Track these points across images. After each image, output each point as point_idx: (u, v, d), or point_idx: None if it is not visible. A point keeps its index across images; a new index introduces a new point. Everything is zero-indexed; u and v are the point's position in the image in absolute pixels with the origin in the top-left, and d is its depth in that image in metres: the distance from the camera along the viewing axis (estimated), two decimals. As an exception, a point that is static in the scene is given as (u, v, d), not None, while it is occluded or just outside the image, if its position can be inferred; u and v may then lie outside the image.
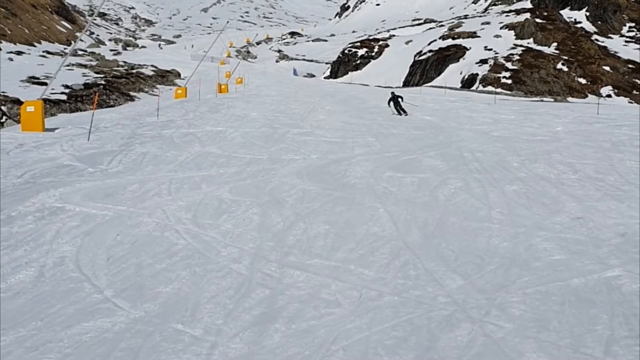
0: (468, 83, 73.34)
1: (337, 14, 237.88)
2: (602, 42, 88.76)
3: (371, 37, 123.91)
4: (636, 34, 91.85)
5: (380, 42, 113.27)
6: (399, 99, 34.81)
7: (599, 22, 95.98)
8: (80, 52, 79.35)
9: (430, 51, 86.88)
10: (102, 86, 43.48)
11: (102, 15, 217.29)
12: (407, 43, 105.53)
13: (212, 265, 9.41)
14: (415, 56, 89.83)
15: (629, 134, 24.37)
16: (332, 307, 7.87)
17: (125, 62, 73.76)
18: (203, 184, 14.80)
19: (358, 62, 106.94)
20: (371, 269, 9.31)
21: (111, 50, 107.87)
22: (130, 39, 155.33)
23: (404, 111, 34.22)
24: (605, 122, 29.85)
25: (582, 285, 8.46)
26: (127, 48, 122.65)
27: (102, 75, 50.33)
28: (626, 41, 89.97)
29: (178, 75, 67.33)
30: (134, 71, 58.76)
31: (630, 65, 79.59)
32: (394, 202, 13.40)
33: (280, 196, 13.90)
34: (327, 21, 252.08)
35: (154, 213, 12.20)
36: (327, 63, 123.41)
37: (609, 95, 69.44)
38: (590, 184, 15.07)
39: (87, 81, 45.39)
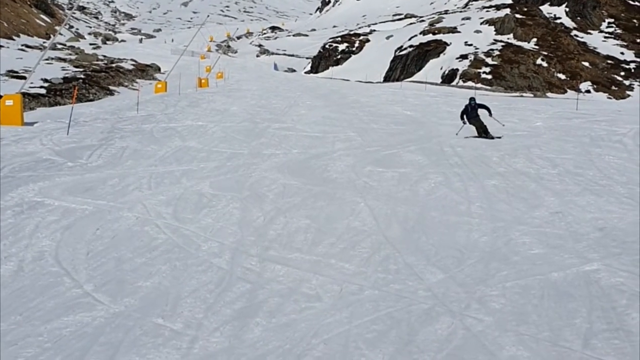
0: (448, 78, 73.57)
1: (318, 8, 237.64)
2: (582, 37, 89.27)
3: (352, 32, 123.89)
4: (615, 30, 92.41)
5: (361, 37, 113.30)
6: (478, 110, 23.92)
7: (579, 18, 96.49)
8: (59, 46, 78.73)
9: (410, 46, 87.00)
10: (81, 80, 43.15)
11: (82, 8, 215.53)
12: (387, 38, 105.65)
13: (192, 260, 9.38)
14: (395, 51, 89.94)
15: (608, 129, 24.55)
16: (313, 301, 7.88)
17: (104, 56, 73.25)
18: (183, 179, 14.75)
19: (339, 57, 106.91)
20: (352, 263, 9.32)
21: (91, 44, 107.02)
22: (110, 32, 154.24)
23: (487, 134, 23.24)
24: (584, 118, 30.05)
25: (561, 279, 8.52)
26: (107, 42, 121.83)
27: (81, 69, 49.93)
28: (605, 37, 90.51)
29: (158, 69, 66.96)
30: (113, 65, 58.38)
31: (609, 61, 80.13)
32: (375, 197, 13.43)
33: (261, 191, 13.88)
34: (308, 16, 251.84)
35: (134, 207, 12.15)
36: (307, 58, 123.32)
37: (588, 91, 69.87)
38: (570, 179, 15.17)
39: (67, 75, 45.02)
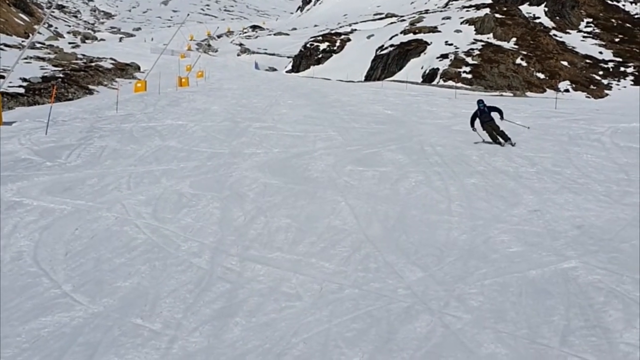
0: (429, 78, 73.74)
1: (299, 7, 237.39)
2: (560, 37, 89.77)
3: (333, 31, 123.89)
4: (593, 30, 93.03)
5: (342, 37, 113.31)
6: (491, 114, 21.55)
7: (557, 18, 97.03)
8: (38, 45, 78.18)
9: (391, 46, 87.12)
10: (60, 79, 42.85)
11: (61, 7, 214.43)
12: (368, 37, 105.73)
13: (172, 260, 9.36)
14: (376, 50, 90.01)
15: (586, 128, 24.69)
16: (293, 301, 7.88)
17: (84, 55, 72.78)
18: (163, 178, 14.70)
19: (320, 56, 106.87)
20: (332, 262, 9.34)
21: (70, 43, 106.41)
22: (89, 31, 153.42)
23: (505, 137, 21.00)
24: (563, 116, 30.20)
25: (539, 276, 8.58)
26: (86, 41, 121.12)
27: (60, 69, 49.59)
28: (584, 36, 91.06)
29: (138, 68, 66.61)
30: (92, 64, 58.00)
31: (587, 61, 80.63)
32: (356, 196, 13.44)
33: (242, 190, 13.86)
34: (288, 15, 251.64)
35: (113, 207, 12.10)
36: (289, 57, 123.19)
37: (566, 90, 70.28)
38: (548, 177, 15.26)
39: (45, 74, 44.71)
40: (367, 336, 6.86)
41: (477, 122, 21.49)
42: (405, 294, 8.05)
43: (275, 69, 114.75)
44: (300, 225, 11.24)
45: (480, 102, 21.89)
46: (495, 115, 21.47)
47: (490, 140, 21.14)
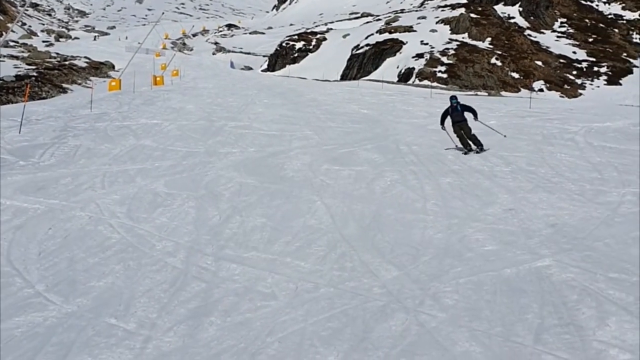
0: (405, 77, 73.95)
1: (275, 6, 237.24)
2: (535, 37, 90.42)
3: (309, 31, 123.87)
4: (567, 30, 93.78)
5: (318, 36, 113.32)
6: (464, 114, 19.52)
7: (532, 18, 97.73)
8: (11, 44, 77.48)
9: (367, 45, 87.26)
10: (34, 78, 42.54)
11: (34, 5, 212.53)
12: (344, 37, 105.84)
13: (146, 259, 9.32)
14: (352, 50, 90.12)
15: (560, 128, 24.85)
16: (268, 300, 7.87)
17: (58, 53, 72.23)
18: (138, 177, 14.63)
19: (296, 55, 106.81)
20: (308, 262, 9.34)
21: (44, 41, 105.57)
22: (63, 30, 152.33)
23: (477, 143, 19.07)
24: (537, 116, 30.36)
25: (513, 275, 8.62)
26: (60, 39, 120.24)
27: (34, 67, 49.19)
28: (558, 36, 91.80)
29: (112, 67, 66.26)
30: (66, 63, 57.58)
31: (561, 60, 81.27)
32: (331, 195, 13.45)
33: (217, 189, 13.83)
34: (264, 14, 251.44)
35: (87, 207, 12.03)
36: (264, 56, 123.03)
37: (541, 90, 70.79)
38: (522, 176, 15.34)
39: (19, 73, 44.35)
40: (343, 335, 6.87)
41: (448, 121, 19.54)
42: (380, 293, 8.06)
43: (251, 68, 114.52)
44: (276, 225, 11.23)
45: (453, 98, 19.69)
46: (468, 116, 19.52)
47: (461, 146, 19.18)
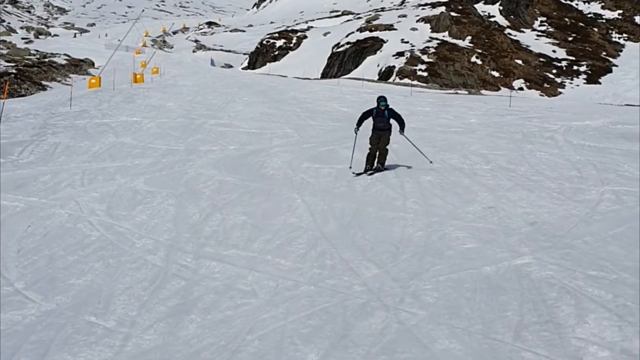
0: (385, 75, 74.05)
1: (255, 4, 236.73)
2: (515, 36, 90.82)
3: (289, 29, 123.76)
4: (547, 28, 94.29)
5: (299, 34, 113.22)
6: (390, 120, 16.16)
7: (512, 16, 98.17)
8: (-11, 40, 76.90)
9: (348, 43, 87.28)
10: (13, 75, 42.21)
11: (14, 2, 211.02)
12: (325, 35, 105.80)
13: (126, 257, 9.28)
14: (333, 48, 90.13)
15: (540, 126, 25.02)
16: (249, 298, 7.86)
17: (37, 50, 71.69)
18: (117, 175, 14.56)
19: (276, 53, 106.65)
20: (288, 259, 9.33)
21: (23, 38, 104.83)
22: (43, 27, 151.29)
23: (382, 160, 16.18)
24: (517, 114, 30.54)
25: (493, 272, 8.66)
26: (40, 36, 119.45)
27: (13, 64, 48.77)
28: (538, 35, 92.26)
29: (92, 64, 65.82)
30: (46, 60, 57.15)
31: (541, 59, 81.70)
32: (312, 193, 13.46)
33: (197, 187, 13.80)
34: (245, 11, 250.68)
35: (67, 204, 11.96)
36: (245, 54, 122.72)
37: (520, 88, 71.13)
38: (502, 174, 15.42)
39: (-3, 70, 44.02)
40: (323, 333, 6.87)
41: (367, 124, 16.15)
42: (360, 291, 8.07)
43: (231, 66, 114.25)
44: (256, 223, 11.22)
45: (382, 99, 15.98)
46: (393, 124, 16.21)
47: (364, 163, 15.93)
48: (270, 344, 6.61)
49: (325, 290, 8.09)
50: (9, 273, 8.53)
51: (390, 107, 16.15)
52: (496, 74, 75.44)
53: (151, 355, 6.40)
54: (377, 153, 16.00)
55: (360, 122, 16.16)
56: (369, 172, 15.57)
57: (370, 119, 16.02)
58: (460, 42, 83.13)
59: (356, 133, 16.30)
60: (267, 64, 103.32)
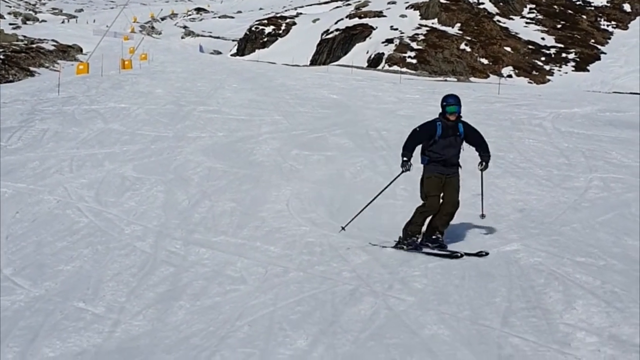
0: (374, 62, 73.94)
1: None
2: (504, 23, 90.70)
3: (278, 15, 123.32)
4: (536, 16, 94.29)
5: (288, 20, 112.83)
6: (457, 149, 10.00)
7: (501, 4, 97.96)
8: (-24, 26, 76.32)
9: (337, 30, 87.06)
10: (0, 61, 41.99)
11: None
12: (314, 21, 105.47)
13: (115, 243, 9.27)
14: (322, 35, 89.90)
15: (528, 113, 25.05)
16: (238, 284, 7.86)
17: (25, 36, 71.19)
18: (106, 162, 14.52)
19: (265, 39, 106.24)
20: (277, 246, 9.34)
21: (10, 24, 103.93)
22: (31, 12, 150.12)
23: (441, 233, 9.42)
24: (506, 102, 30.55)
25: (481, 259, 8.69)
26: (27, 22, 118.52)
27: (0, 50, 48.50)
28: (527, 22, 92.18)
29: (80, 50, 65.43)
30: (34, 46, 56.80)
31: (530, 46, 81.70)
32: (301, 180, 13.46)
33: (186, 174, 13.77)
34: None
35: (55, 190, 11.93)
36: (233, 40, 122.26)
37: (509, 76, 71.16)
38: (491, 162, 15.38)
39: (-16, 55, 43.76)
40: (312, 319, 6.87)
41: (429, 162, 9.82)
42: (349, 277, 8.08)
43: (220, 52, 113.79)
44: (245, 209, 11.22)
45: (452, 102, 9.42)
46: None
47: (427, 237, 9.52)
48: (259, 329, 6.61)
49: (314, 277, 8.10)
50: (-3, 259, 8.51)
51: (466, 121, 10.00)
52: (485, 61, 75.45)
53: (140, 340, 6.40)
54: (440, 213, 9.53)
55: (411, 148, 9.77)
56: (427, 247, 9.24)
57: (432, 144, 9.68)
58: (449, 29, 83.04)
59: (406, 169, 9.84)
60: (256, 50, 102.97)
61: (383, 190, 9.47)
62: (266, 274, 8.22)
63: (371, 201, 8.77)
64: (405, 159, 9.62)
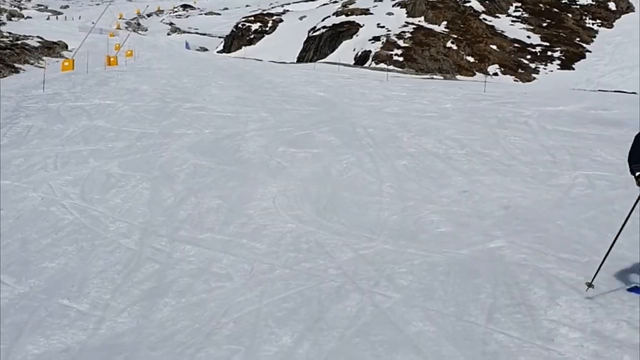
0: (361, 60, 73.99)
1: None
2: (490, 21, 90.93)
3: (265, 12, 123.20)
4: (522, 14, 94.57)
5: (274, 17, 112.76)
6: None
7: (487, 2, 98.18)
8: (-40, 22, 75.90)
9: (324, 27, 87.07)
10: (-16, 57, 41.84)
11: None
12: (301, 19, 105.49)
13: (100, 240, 9.24)
14: (309, 32, 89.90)
15: (514, 111, 25.10)
16: (223, 281, 7.86)
17: (9, 33, 70.87)
18: (91, 158, 14.46)
19: (252, 36, 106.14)
20: (263, 243, 9.34)
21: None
22: (15, 9, 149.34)
23: None
24: (492, 100, 30.62)
25: (467, 256, 8.73)
26: (12, 18, 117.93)
27: (-16, 46, 48.24)
28: (513, 21, 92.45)
29: (65, 47, 65.18)
30: (19, 42, 56.54)
31: (516, 45, 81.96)
32: (287, 177, 13.45)
33: (172, 171, 13.74)
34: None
35: (40, 187, 11.88)
36: (220, 37, 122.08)
37: (495, 74, 71.37)
38: (477, 159, 15.49)
39: (-31, 52, 43.56)
40: (298, 315, 6.89)
41: None
42: (336, 274, 8.10)
43: (206, 49, 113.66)
44: (232, 206, 11.21)
45: None
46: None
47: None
48: (245, 326, 6.62)
49: (301, 274, 8.10)
50: (-19, 256, 8.48)
51: None
52: (471, 59, 75.64)
53: (125, 337, 6.39)
54: None
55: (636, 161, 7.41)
56: None
57: None
58: (435, 27, 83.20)
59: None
60: (243, 47, 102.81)
61: (622, 228, 7.33)
62: (252, 270, 8.22)
63: (611, 246, 6.97)
64: (638, 173, 7.29)
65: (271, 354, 6.08)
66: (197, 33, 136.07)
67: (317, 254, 8.88)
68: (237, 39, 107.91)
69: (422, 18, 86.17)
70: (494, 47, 79.31)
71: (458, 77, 66.42)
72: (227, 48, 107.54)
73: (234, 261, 8.55)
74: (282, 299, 7.31)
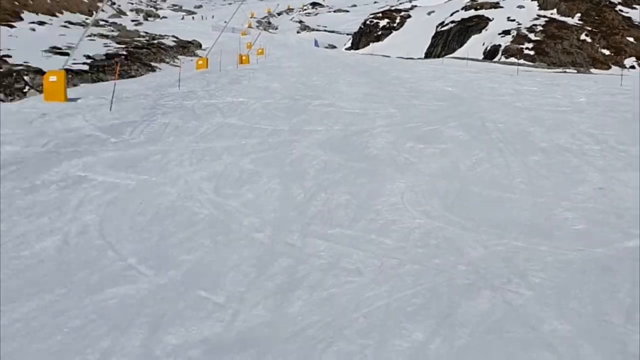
0: (490, 54, 72.78)
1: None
2: (627, 12, 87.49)
3: (393, 8, 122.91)
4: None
5: (402, 13, 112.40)
6: None
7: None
8: (101, 23, 79.32)
9: (452, 22, 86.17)
10: (123, 57, 43.59)
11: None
12: (429, 14, 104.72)
13: (234, 235, 9.47)
14: (437, 27, 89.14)
15: (653, 105, 24.15)
16: (353, 276, 7.92)
17: (146, 32, 73.67)
18: (224, 155, 14.85)
19: (379, 33, 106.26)
20: (391, 238, 9.35)
21: (132, 20, 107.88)
22: (151, 9, 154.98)
23: None
24: (628, 94, 29.53)
25: (603, 254, 8.47)
26: (148, 18, 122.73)
27: (123, 46, 50.30)
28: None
29: (199, 46, 67.23)
30: (155, 42, 58.71)
31: (655, 36, 78.53)
32: (415, 173, 13.41)
33: (302, 167, 13.93)
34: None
35: (176, 183, 12.28)
36: (348, 34, 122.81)
37: (632, 67, 68.61)
38: (612, 155, 14.98)
39: (109, 51, 45.47)
40: (428, 311, 6.87)
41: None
42: (466, 270, 8.02)
43: (334, 47, 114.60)
44: (360, 202, 11.27)
45: None
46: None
47: None
48: (375, 321, 6.66)
49: (430, 270, 8.07)
50: (122, 249, 8.85)
51: None
52: (607, 52, 72.99)
53: (259, 330, 6.54)
54: None
55: None
56: None
57: None
58: (569, 20, 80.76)
59: None
60: (370, 44, 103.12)
61: None
62: (381, 266, 8.25)
63: None
64: None
65: (402, 349, 6.09)
66: (325, 31, 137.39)
67: (446, 250, 8.83)
68: (365, 35, 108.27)
69: (555, 10, 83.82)
70: (631, 39, 76.21)
71: (592, 70, 64.23)
72: (355, 45, 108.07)
73: (363, 256, 8.60)
74: (411, 294, 7.31)
